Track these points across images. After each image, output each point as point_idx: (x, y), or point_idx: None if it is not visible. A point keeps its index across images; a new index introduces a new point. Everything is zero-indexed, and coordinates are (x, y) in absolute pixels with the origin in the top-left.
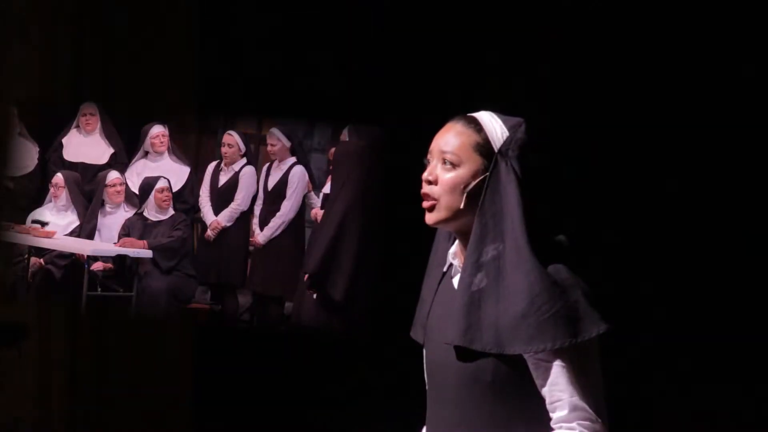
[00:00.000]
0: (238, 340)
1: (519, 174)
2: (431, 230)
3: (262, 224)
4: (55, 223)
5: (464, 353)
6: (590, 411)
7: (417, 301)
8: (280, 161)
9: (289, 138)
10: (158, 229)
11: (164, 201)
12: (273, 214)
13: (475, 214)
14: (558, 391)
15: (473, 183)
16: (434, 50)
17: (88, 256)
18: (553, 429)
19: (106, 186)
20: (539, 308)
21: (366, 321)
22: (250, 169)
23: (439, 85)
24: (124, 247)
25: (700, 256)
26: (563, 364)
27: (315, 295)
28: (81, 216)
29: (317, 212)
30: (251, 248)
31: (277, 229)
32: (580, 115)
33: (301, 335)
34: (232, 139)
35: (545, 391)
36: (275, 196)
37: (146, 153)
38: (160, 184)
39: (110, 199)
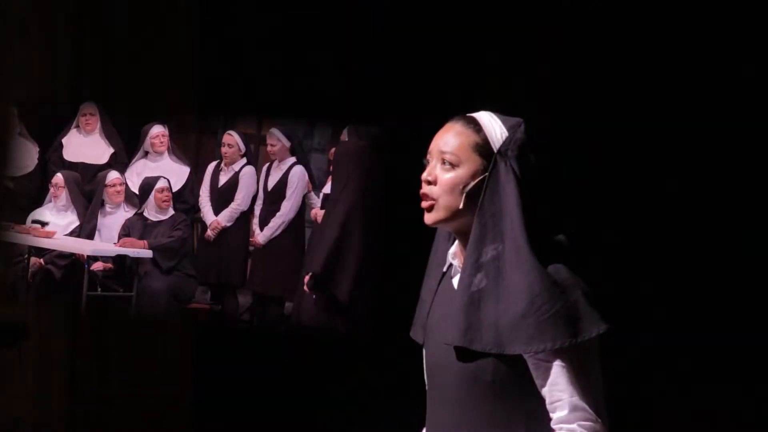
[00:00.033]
0: (238, 340)
1: (518, 174)
2: (431, 230)
3: (262, 224)
4: (55, 223)
5: (464, 353)
6: (590, 411)
7: (417, 301)
8: (280, 161)
9: (289, 138)
10: (158, 229)
11: (164, 201)
12: (273, 214)
13: (475, 214)
14: (558, 391)
15: (472, 183)
16: (434, 50)
17: (88, 256)
18: (553, 429)
19: (106, 186)
20: (539, 308)
21: (366, 321)
22: (250, 169)
23: (439, 85)
24: (124, 247)
25: (700, 256)
26: (563, 364)
27: (316, 296)
28: (81, 216)
29: (317, 212)
30: (251, 248)
31: (276, 229)
32: (579, 115)
33: (301, 335)
34: (232, 139)
35: (545, 391)
36: (275, 196)
37: (146, 153)
38: (160, 184)
39: (110, 199)
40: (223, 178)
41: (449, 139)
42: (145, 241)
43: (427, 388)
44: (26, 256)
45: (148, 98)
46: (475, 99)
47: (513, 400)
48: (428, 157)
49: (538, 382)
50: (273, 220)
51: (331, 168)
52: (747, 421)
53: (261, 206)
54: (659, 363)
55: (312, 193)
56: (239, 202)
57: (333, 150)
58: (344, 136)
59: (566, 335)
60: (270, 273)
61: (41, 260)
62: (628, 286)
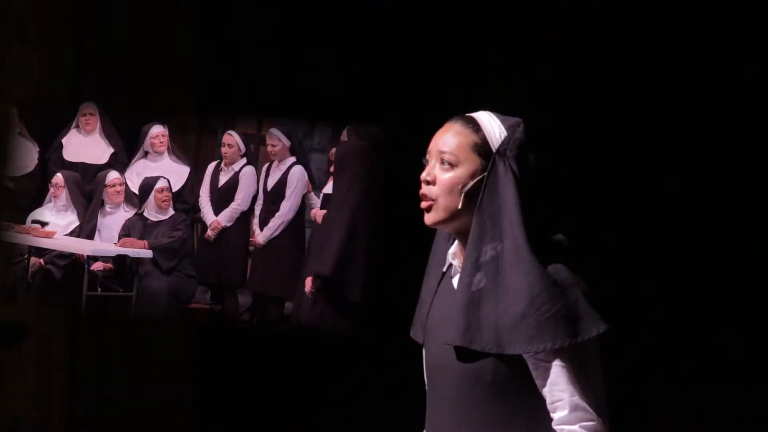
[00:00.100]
0: (238, 340)
1: (517, 174)
2: (431, 230)
3: (262, 224)
4: (55, 223)
5: (464, 353)
6: (591, 411)
7: (417, 301)
8: (279, 161)
9: (289, 137)
10: (158, 229)
11: (164, 201)
12: (272, 214)
13: (474, 214)
14: (558, 391)
15: (471, 183)
16: (434, 50)
17: (88, 256)
18: (554, 430)
19: (105, 186)
20: (539, 308)
21: (370, 321)
22: (250, 169)
23: (439, 85)
24: (124, 247)
25: (700, 256)
26: (563, 363)
27: (324, 298)
28: (81, 216)
29: (317, 212)
30: (251, 248)
31: (276, 229)
32: (579, 115)
33: (301, 335)
34: (232, 139)
35: (546, 391)
36: (275, 196)
37: (146, 153)
38: (160, 184)
39: (110, 199)
40: (223, 178)
41: (448, 139)
42: (145, 241)
43: (427, 388)
44: (26, 256)
45: (148, 98)
46: (475, 99)
47: (513, 400)
48: (427, 157)
49: (538, 382)
50: (272, 220)
51: (332, 168)
52: (747, 421)
53: (261, 206)
54: (659, 363)
55: (312, 194)
56: (239, 202)
57: (333, 150)
58: (344, 136)
59: (566, 335)
60: (270, 273)
61: (41, 260)
62: (628, 286)
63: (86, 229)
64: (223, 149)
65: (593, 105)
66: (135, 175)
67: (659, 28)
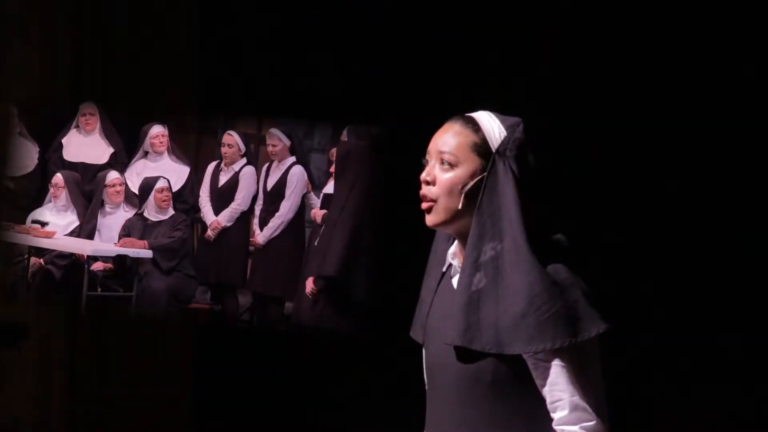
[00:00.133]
0: (238, 340)
1: (517, 174)
2: (431, 230)
3: (262, 224)
4: (55, 223)
5: (464, 353)
6: (591, 411)
7: (417, 301)
8: (279, 161)
9: (289, 137)
10: (158, 229)
11: (164, 201)
12: (272, 214)
13: (474, 214)
14: (558, 390)
15: (471, 183)
16: (434, 50)
17: (88, 256)
18: (554, 430)
19: (105, 186)
20: (539, 308)
21: (367, 321)
22: (250, 169)
23: (439, 85)
24: (124, 247)
25: (700, 256)
26: (563, 363)
27: (323, 297)
28: (81, 216)
29: (317, 212)
30: (251, 248)
31: (276, 230)
32: (579, 115)
33: (301, 335)
34: (232, 139)
35: (546, 391)
36: (274, 196)
37: (146, 153)
38: (160, 184)
39: (110, 199)
40: (223, 178)
41: (448, 139)
42: (145, 242)
43: (427, 388)
44: (26, 256)
45: (148, 98)
46: (475, 99)
47: (513, 400)
48: (427, 157)
49: (538, 382)
50: (272, 220)
51: (332, 168)
52: (747, 421)
53: (261, 206)
54: (659, 363)
55: (311, 194)
56: (239, 202)
57: (333, 150)
58: (344, 136)
59: (566, 335)
60: (270, 273)
61: (41, 260)
62: (628, 286)
63: (86, 229)
64: (223, 149)
65: (593, 105)
66: (135, 175)
67: (659, 28)
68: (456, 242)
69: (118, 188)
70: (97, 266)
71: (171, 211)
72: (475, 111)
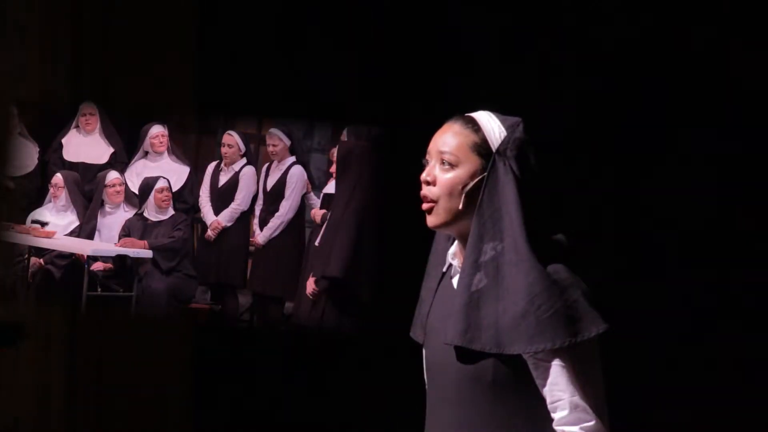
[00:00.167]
0: (238, 340)
1: (517, 173)
2: (431, 230)
3: (262, 224)
4: (55, 223)
5: (464, 353)
6: (591, 411)
7: (417, 301)
8: (279, 161)
9: (289, 136)
10: (158, 229)
11: (164, 201)
12: (272, 215)
13: (474, 214)
14: (558, 390)
15: (471, 183)
16: (434, 50)
17: (88, 256)
18: (554, 430)
19: (105, 186)
20: (539, 308)
21: (368, 321)
22: (250, 169)
23: (439, 85)
24: (124, 247)
25: (700, 256)
26: (563, 363)
27: (324, 298)
28: (81, 216)
29: (317, 212)
30: (251, 248)
31: (276, 230)
32: (579, 115)
33: (301, 335)
34: (232, 139)
35: (546, 391)
36: (274, 197)
37: (146, 153)
38: (160, 184)
39: (110, 199)
40: (223, 178)
41: (448, 139)
42: (145, 241)
43: (427, 388)
44: (26, 256)
45: (148, 98)
46: (475, 99)
47: (513, 400)
48: (427, 157)
49: (538, 382)
50: (272, 220)
51: (332, 168)
52: (747, 421)
53: (261, 206)
54: (659, 363)
55: (311, 194)
56: (239, 202)
57: (333, 150)
58: (344, 136)
59: (566, 335)
60: (270, 273)
61: (41, 260)
62: (628, 286)
63: (86, 229)
64: (223, 149)
65: (594, 105)
66: (135, 175)
67: (659, 28)
68: (456, 242)
69: (118, 188)
70: (97, 266)
71: (171, 211)
72: (475, 111)
